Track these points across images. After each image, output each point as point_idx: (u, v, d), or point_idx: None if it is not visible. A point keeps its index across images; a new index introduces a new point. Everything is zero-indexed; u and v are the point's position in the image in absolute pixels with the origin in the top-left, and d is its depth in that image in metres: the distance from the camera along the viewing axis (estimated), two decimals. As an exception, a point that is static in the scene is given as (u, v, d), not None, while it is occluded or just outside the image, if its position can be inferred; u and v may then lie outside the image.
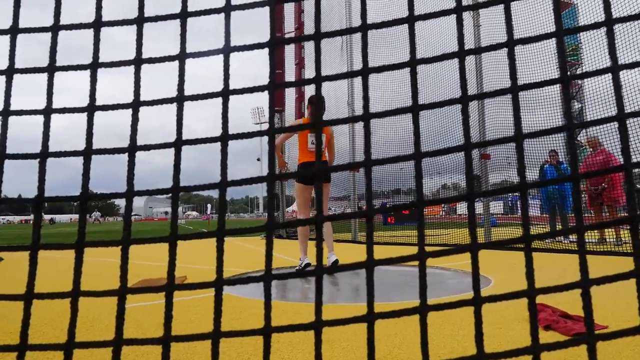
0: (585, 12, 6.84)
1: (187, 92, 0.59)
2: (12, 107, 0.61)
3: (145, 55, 0.62)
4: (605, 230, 7.12)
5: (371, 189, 0.55)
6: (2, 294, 0.52)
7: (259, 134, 0.52)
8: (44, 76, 0.64)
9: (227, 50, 0.56)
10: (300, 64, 11.64)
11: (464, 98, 0.51)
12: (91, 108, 0.55)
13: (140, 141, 0.59)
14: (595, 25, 0.50)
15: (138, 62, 0.58)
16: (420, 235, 0.48)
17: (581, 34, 6.80)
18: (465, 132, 0.49)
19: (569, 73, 0.52)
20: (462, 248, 0.47)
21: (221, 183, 0.49)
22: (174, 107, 0.59)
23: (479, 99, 0.52)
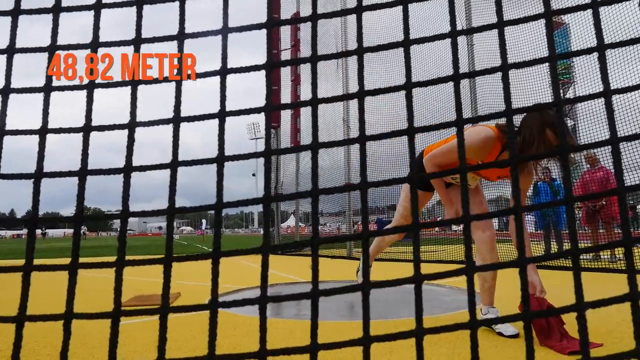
0: (577, 32, 6.93)
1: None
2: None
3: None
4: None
5: (367, 210, 0.55)
6: (-7, 316, 0.51)
7: (255, 155, 0.52)
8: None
9: (224, 71, 0.56)
10: (296, 81, 11.73)
11: (460, 120, 0.51)
12: (87, 128, 0.55)
13: (134, 155, 0.59)
14: (587, 51, 0.51)
15: (135, 83, 0.58)
16: (416, 257, 0.48)
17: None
18: (461, 155, 0.49)
19: (561, 94, 0.53)
20: (457, 271, 0.47)
21: (217, 205, 0.49)
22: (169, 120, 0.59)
23: (474, 122, 0.52)
